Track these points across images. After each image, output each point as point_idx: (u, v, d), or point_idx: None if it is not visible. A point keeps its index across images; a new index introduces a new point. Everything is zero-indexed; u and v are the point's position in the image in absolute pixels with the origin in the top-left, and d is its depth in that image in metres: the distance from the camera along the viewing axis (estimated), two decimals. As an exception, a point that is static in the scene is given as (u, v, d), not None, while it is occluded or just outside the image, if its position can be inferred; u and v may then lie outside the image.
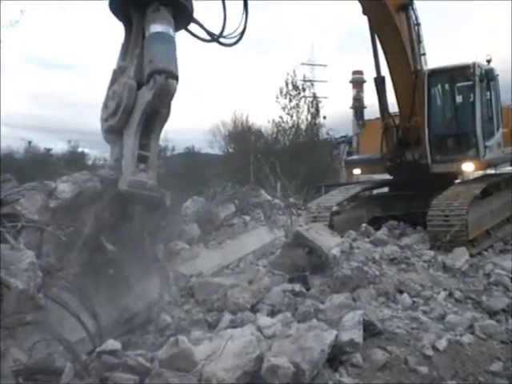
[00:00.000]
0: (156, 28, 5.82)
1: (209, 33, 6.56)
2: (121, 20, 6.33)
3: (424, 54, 13.52)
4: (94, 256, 5.35)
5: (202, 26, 6.52)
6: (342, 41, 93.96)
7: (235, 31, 6.65)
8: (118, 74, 6.20)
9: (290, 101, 36.77)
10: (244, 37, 6.72)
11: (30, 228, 5.11)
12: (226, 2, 6.48)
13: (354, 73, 54.98)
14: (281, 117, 36.72)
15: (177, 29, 6.17)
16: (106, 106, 6.14)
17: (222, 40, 6.63)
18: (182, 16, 6.23)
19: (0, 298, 4.12)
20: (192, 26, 6.50)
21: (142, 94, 5.74)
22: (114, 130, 5.99)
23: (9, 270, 4.22)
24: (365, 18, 12.96)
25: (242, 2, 6.69)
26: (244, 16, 6.69)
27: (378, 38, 13.03)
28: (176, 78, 5.70)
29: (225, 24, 6.55)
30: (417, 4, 13.19)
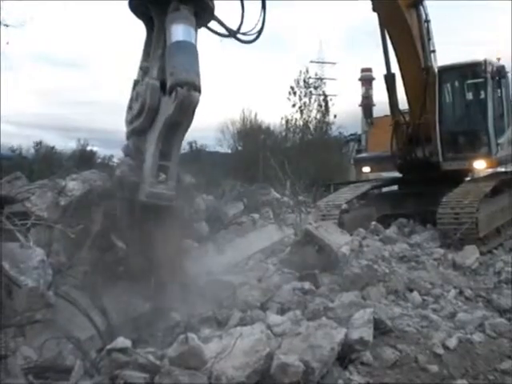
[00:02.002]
0: (177, 34, 5.77)
1: (228, 30, 6.56)
2: (141, 19, 6.33)
3: (434, 51, 13.46)
4: (103, 254, 5.37)
5: (221, 23, 6.51)
6: (351, 38, 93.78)
7: (253, 28, 6.67)
8: (141, 75, 6.21)
9: (301, 99, 36.82)
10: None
11: (39, 226, 5.13)
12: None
13: (363, 70, 54.89)
14: (291, 114, 36.76)
15: (198, 26, 6.17)
16: (130, 107, 6.14)
17: (240, 37, 6.64)
18: (204, 13, 6.22)
19: (10, 295, 4.14)
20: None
21: (165, 103, 5.72)
22: (138, 132, 6.00)
23: (19, 267, 4.24)
24: (374, 15, 12.94)
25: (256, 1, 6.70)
26: (262, 13, 6.70)
27: (388, 34, 13.01)
28: (198, 89, 5.67)
29: (242, 21, 6.56)
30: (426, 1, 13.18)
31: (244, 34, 6.65)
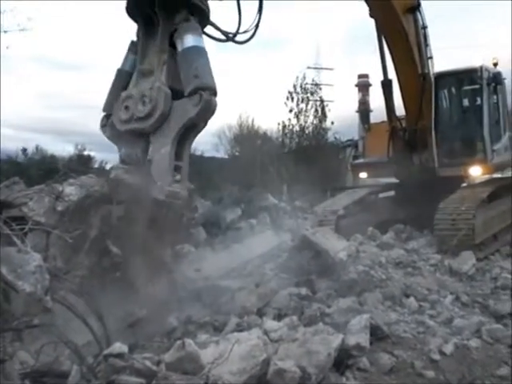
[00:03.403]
0: (193, 41, 5.93)
1: (224, 33, 6.68)
2: (136, 21, 6.38)
3: (431, 57, 13.51)
4: (101, 259, 5.37)
5: (217, 28, 6.62)
6: (348, 44, 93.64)
7: (247, 30, 6.79)
8: (139, 76, 6.25)
9: (298, 104, 36.75)
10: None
11: (36, 230, 5.13)
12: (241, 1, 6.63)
13: (360, 76, 54.73)
14: (289, 119, 36.67)
15: None
16: (125, 107, 6.13)
17: (237, 39, 6.78)
18: (200, 19, 6.31)
19: (7, 300, 4.13)
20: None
21: (181, 105, 5.84)
22: (139, 134, 6.06)
23: (16, 272, 4.23)
24: (371, 21, 12.99)
25: (249, 2, 6.81)
26: (258, 15, 6.80)
27: (386, 40, 13.06)
28: (217, 94, 5.85)
29: (240, 23, 6.69)
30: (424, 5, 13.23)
31: (238, 33, 6.77)
